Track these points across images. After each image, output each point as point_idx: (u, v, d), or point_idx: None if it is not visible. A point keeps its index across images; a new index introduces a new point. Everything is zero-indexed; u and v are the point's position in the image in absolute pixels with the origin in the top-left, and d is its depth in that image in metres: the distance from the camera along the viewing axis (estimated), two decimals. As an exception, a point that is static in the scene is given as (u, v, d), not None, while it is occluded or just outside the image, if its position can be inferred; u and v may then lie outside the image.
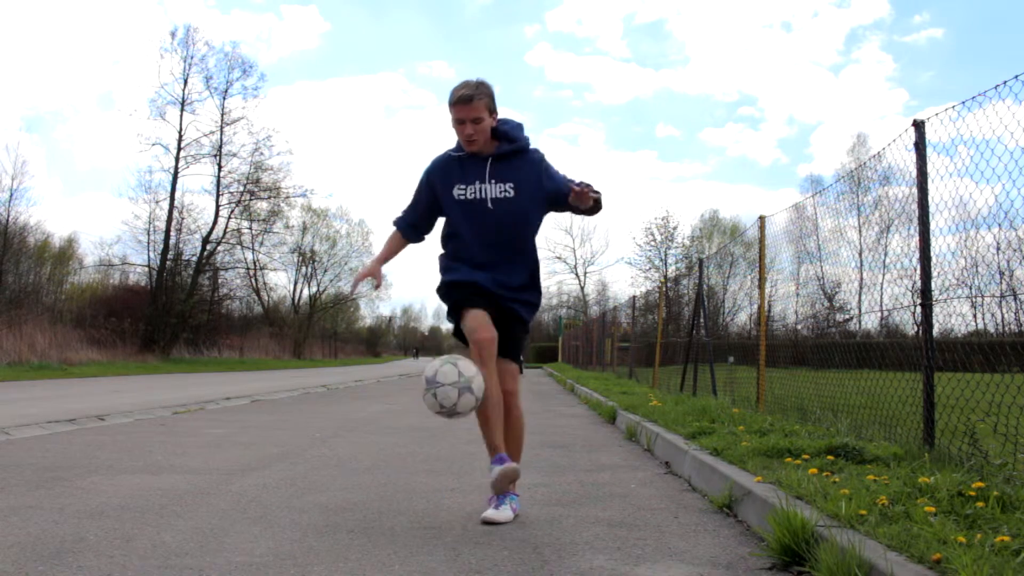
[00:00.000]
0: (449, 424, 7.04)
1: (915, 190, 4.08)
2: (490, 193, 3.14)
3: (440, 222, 3.36)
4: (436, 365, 2.95)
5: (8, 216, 30.40)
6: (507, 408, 3.16)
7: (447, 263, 3.28)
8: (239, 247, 38.45)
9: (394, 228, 3.40)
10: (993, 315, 5.43)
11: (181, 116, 32.99)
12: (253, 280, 44.15)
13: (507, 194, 3.14)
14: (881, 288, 6.24)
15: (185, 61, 33.11)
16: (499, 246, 3.17)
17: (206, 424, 6.85)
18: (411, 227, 3.36)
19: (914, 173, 4.08)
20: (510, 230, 3.17)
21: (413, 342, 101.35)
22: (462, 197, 3.16)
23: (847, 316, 8.80)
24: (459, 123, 3.09)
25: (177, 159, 32.85)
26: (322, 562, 2.41)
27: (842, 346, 6.18)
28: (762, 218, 7.03)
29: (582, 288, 52.97)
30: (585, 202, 3.08)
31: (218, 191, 34.95)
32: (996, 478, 2.96)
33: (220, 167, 34.71)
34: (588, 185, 3.09)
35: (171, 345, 31.19)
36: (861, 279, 7.12)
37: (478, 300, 3.13)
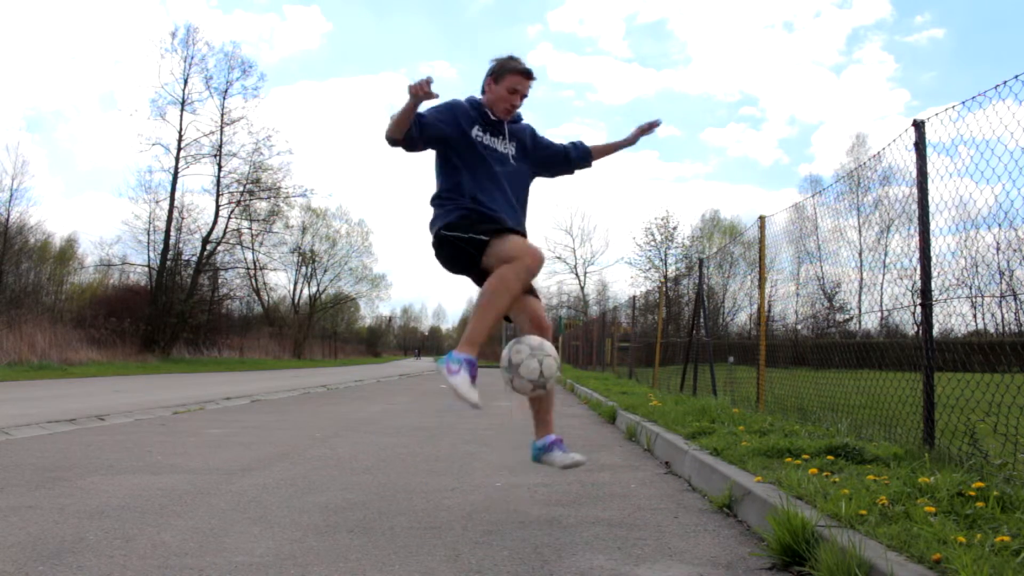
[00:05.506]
0: (449, 424, 7.05)
1: (915, 190, 4.08)
2: (501, 148, 3.32)
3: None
4: (506, 352, 2.98)
5: (8, 216, 30.47)
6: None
7: (459, 199, 3.16)
8: (239, 247, 38.57)
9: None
10: (993, 315, 5.43)
11: (181, 116, 33.09)
12: (253, 280, 44.23)
13: (511, 153, 3.35)
14: (881, 288, 6.23)
15: (185, 61, 33.23)
16: (505, 195, 3.24)
17: (206, 424, 6.85)
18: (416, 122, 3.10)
19: (914, 173, 4.09)
20: (515, 184, 3.33)
21: (413, 342, 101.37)
22: (479, 139, 3.26)
23: (847, 316, 8.80)
24: (512, 92, 3.27)
25: (177, 159, 32.93)
26: (322, 562, 2.41)
27: (842, 346, 6.19)
28: (762, 218, 7.02)
29: (582, 288, 52.95)
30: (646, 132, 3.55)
31: (218, 191, 35.02)
32: (996, 478, 2.96)
33: (220, 167, 34.80)
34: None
35: (171, 345, 31.21)
36: (861, 279, 7.11)
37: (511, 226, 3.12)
